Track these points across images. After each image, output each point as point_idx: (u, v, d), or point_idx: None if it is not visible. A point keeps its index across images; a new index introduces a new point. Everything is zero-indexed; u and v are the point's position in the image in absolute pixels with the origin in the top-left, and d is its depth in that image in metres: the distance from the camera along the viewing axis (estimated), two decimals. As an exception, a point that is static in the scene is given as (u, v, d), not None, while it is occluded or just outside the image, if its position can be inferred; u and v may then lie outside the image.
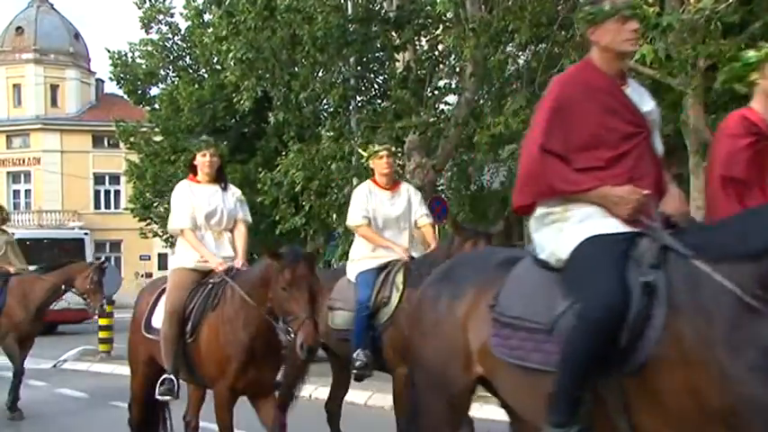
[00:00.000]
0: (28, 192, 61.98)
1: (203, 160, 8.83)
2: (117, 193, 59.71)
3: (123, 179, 48.35)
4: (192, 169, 9.05)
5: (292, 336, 7.35)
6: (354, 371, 9.38)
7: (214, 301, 8.15)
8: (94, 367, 20.31)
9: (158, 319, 8.56)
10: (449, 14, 22.17)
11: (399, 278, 9.15)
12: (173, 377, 8.34)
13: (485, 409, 11.42)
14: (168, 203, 36.34)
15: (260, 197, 26.72)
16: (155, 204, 38.59)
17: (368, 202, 9.70)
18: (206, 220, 8.72)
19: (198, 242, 8.62)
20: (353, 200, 9.96)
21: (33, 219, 59.99)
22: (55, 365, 21.25)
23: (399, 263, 9.31)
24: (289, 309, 7.37)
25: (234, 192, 9.05)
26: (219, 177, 8.95)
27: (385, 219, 9.77)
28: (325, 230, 28.50)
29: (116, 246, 57.61)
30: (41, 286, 13.36)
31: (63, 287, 13.71)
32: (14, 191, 62.68)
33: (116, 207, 59.00)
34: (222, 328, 7.93)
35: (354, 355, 9.13)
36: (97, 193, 60.92)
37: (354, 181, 23.80)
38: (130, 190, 43.10)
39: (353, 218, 9.82)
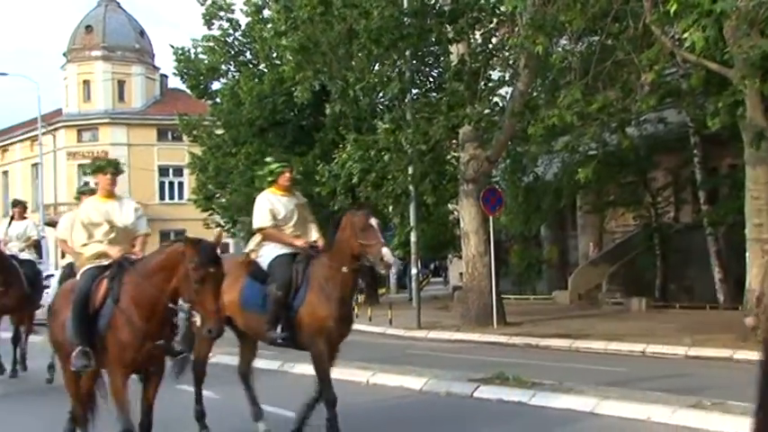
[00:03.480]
0: (97, 183, 62.35)
1: None
2: (180, 184, 60.06)
3: (186, 171, 48.68)
4: None
5: None
6: None
7: None
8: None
9: None
10: (502, 8, 21.90)
11: None
12: None
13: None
14: (230, 194, 36.93)
15: (318, 188, 26.72)
16: (217, 195, 38.84)
17: None
18: None
19: None
20: None
21: (101, 209, 60.62)
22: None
23: None
24: None
25: None
26: None
27: None
28: (381, 221, 28.46)
29: (179, 235, 58.07)
30: (336, 270, 9.08)
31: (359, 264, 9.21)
32: (84, 182, 63.02)
33: (180, 198, 59.41)
34: None
35: None
36: (162, 184, 61.37)
37: (410, 170, 23.69)
38: (193, 182, 43.41)
39: None
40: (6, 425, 11.37)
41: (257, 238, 9.62)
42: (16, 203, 17.48)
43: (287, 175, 9.78)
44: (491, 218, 23.04)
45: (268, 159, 10.32)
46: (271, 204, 9.59)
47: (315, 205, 31.07)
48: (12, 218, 16.89)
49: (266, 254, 9.38)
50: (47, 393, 13.28)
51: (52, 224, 57.72)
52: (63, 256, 55.29)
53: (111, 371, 7.67)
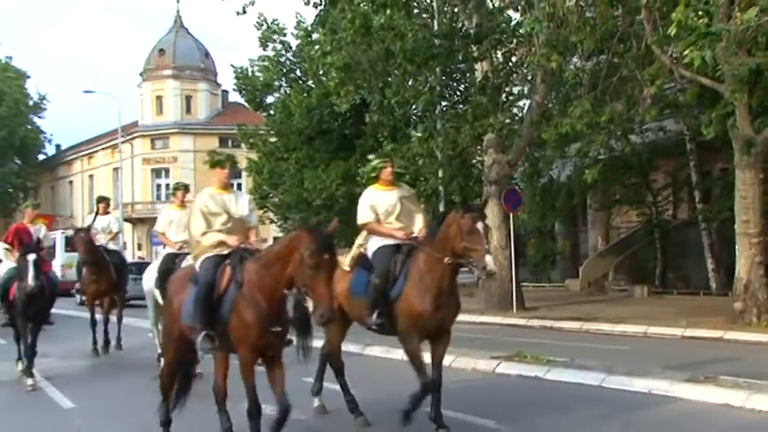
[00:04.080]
0: (167, 185, 63.06)
1: None
2: (239, 186, 60.13)
3: (244, 174, 48.93)
4: None
5: None
6: None
7: None
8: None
9: None
10: (521, 30, 21.83)
11: None
12: None
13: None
14: (282, 194, 37.09)
15: (358, 188, 26.75)
16: (270, 195, 38.99)
17: None
18: None
19: None
20: None
21: (171, 208, 61.23)
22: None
23: None
24: None
25: None
26: None
27: None
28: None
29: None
30: (436, 262, 8.01)
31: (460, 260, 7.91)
32: (157, 184, 63.97)
33: (239, 197, 59.75)
34: None
35: None
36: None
37: (440, 173, 23.66)
38: (250, 183, 43.59)
39: None
40: (105, 399, 11.47)
41: (363, 233, 8.89)
42: (100, 200, 17.31)
43: (388, 169, 9.06)
44: (511, 215, 22.97)
45: (370, 157, 9.61)
46: (371, 200, 8.91)
47: (356, 204, 31.49)
48: (96, 213, 16.76)
49: (371, 246, 8.76)
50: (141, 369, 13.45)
51: (129, 220, 58.49)
52: (139, 248, 55.25)
53: (240, 352, 7.03)
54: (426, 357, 8.22)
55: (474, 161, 26.91)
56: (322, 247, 6.45)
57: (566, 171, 30.25)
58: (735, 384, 9.44)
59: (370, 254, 8.68)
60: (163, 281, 12.09)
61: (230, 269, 7.26)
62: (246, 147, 41.30)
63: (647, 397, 9.52)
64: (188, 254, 11.68)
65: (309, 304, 6.56)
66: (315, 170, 33.00)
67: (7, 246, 13.38)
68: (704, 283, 26.53)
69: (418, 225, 8.82)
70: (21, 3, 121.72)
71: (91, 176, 70.28)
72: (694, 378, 9.82)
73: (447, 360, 12.71)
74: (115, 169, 63.70)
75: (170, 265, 12.39)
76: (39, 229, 13.72)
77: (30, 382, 11.94)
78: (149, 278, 13.31)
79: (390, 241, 8.64)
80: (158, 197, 63.56)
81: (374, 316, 8.29)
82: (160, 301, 12.37)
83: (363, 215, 8.85)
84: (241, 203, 8.13)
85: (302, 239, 6.56)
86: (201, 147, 61.84)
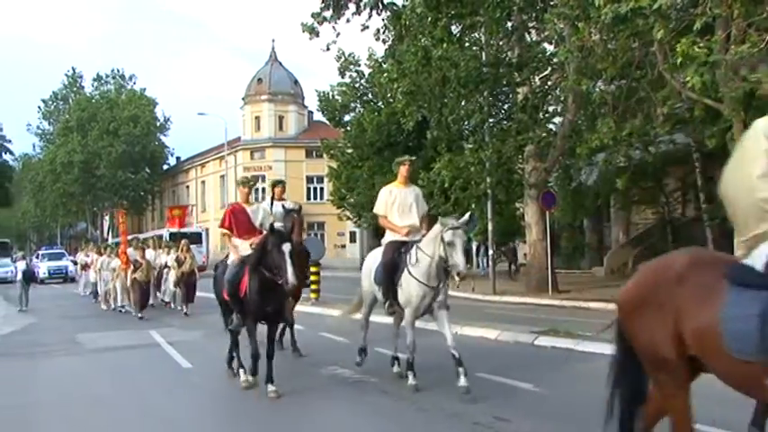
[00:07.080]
0: (264, 189, 63.92)
1: None
2: (321, 189, 60.61)
3: (326, 179, 49.40)
4: None
5: None
6: None
7: None
8: (308, 309, 20.60)
9: None
10: (555, 59, 21.62)
11: None
12: None
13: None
14: (356, 196, 37.32)
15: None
16: (347, 197, 39.26)
17: None
18: None
19: None
20: None
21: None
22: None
23: None
24: None
25: None
26: None
27: None
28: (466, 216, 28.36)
29: (321, 225, 58.57)
30: None
31: None
32: (254, 189, 64.73)
33: (321, 198, 60.01)
34: None
35: None
36: (309, 189, 62.07)
37: (488, 179, 23.53)
38: (330, 187, 44.04)
39: None
40: (217, 362, 11.52)
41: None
42: (276, 183, 13.27)
43: None
44: (548, 213, 22.80)
45: None
46: None
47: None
48: (272, 198, 12.73)
49: None
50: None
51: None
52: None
53: None
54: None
55: (516, 168, 26.76)
56: None
57: (593, 176, 29.88)
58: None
59: None
60: (389, 275, 8.88)
61: None
62: (328, 157, 41.74)
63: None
64: (417, 242, 8.66)
65: None
66: (384, 176, 33.07)
67: (226, 230, 10.05)
68: (709, 270, 26.04)
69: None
70: (150, 43, 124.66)
71: (203, 182, 71.36)
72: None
73: (493, 334, 12.75)
74: (222, 176, 64.59)
75: (395, 257, 8.86)
76: (257, 210, 10.27)
77: (272, 388, 8.50)
78: (367, 272, 9.50)
79: None
80: (256, 198, 64.22)
81: None
82: (379, 297, 9.17)
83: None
84: None
85: None
86: (291, 157, 62.80)
